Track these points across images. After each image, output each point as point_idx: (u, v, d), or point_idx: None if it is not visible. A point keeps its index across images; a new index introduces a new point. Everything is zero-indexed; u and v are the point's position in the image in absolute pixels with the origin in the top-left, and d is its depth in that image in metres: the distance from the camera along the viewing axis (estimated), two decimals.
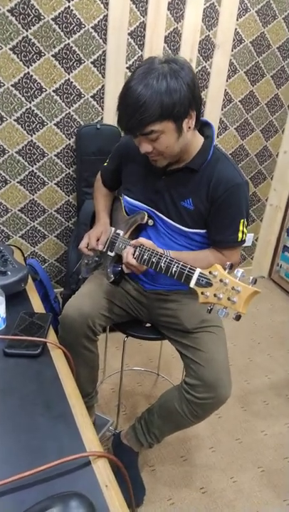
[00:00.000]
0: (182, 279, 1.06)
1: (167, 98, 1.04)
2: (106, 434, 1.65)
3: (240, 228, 1.23)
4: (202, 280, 0.99)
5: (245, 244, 2.87)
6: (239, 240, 1.25)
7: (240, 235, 1.24)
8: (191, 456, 1.63)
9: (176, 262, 1.08)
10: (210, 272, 0.97)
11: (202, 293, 0.98)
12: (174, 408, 1.29)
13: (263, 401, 1.94)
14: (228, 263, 0.95)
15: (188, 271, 1.04)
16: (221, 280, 0.93)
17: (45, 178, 2.16)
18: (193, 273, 1.02)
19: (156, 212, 1.30)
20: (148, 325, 1.51)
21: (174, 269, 1.08)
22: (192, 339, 1.29)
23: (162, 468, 1.57)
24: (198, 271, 1.01)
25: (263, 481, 1.56)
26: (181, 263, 1.07)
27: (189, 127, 1.14)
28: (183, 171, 1.23)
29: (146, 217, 1.29)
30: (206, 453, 1.65)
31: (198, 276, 1.01)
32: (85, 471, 0.70)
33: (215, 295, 0.94)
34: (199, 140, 1.24)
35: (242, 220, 1.23)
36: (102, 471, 0.71)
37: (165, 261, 1.11)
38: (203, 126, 1.26)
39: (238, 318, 0.90)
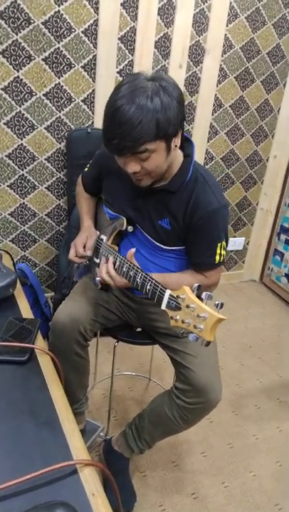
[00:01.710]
0: (155, 300, 1.02)
1: (163, 117, 1.02)
2: (97, 440, 1.63)
3: (218, 251, 1.21)
4: (172, 303, 0.95)
5: (236, 248, 2.93)
6: (217, 262, 1.23)
7: (217, 257, 1.22)
8: (182, 461, 1.63)
9: (149, 280, 1.05)
10: (178, 296, 0.93)
11: (172, 317, 0.94)
12: (165, 413, 1.28)
13: (255, 405, 1.94)
14: (195, 284, 0.91)
15: (159, 291, 1.00)
16: (187, 306, 0.89)
17: (36, 182, 2.16)
18: (163, 294, 0.98)
19: (136, 225, 1.29)
20: (139, 329, 1.50)
21: (148, 286, 1.05)
22: (182, 344, 1.28)
23: (153, 474, 1.56)
24: (168, 293, 0.97)
25: (255, 485, 1.56)
26: (154, 281, 1.03)
27: (176, 145, 1.12)
28: (161, 191, 1.21)
29: (125, 224, 1.27)
30: (198, 458, 1.65)
31: (168, 298, 0.97)
32: (72, 480, 0.69)
33: (183, 321, 0.90)
34: (179, 158, 1.21)
35: (219, 244, 1.21)
36: (89, 480, 0.70)
37: (141, 276, 1.08)
38: (183, 142, 1.23)
39: (207, 344, 0.86)
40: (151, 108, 1.00)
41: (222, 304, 0.84)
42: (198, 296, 0.89)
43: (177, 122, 1.06)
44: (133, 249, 1.15)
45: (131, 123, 1.00)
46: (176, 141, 1.11)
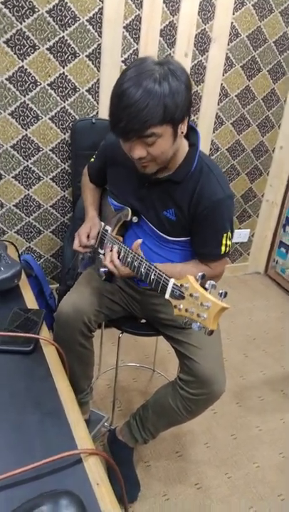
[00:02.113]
0: (159, 289, 1.01)
1: (170, 100, 1.00)
2: (101, 430, 1.65)
3: (223, 242, 1.21)
4: (176, 292, 0.94)
5: (241, 240, 2.92)
6: (222, 252, 1.22)
7: (223, 248, 1.21)
8: (186, 451, 1.64)
9: (154, 269, 1.04)
10: (181, 285, 0.92)
11: (175, 306, 0.93)
12: (168, 404, 1.28)
13: (258, 396, 1.95)
14: (199, 273, 0.90)
15: (163, 280, 0.99)
16: (191, 295, 0.89)
17: (41, 173, 2.15)
18: (167, 283, 0.97)
19: (142, 216, 1.28)
20: (143, 321, 1.50)
21: (152, 276, 1.04)
22: (186, 335, 1.28)
23: (157, 464, 1.57)
24: (172, 282, 0.96)
25: (258, 476, 1.56)
26: (158, 270, 1.02)
27: (182, 132, 1.10)
28: (166, 181, 1.20)
29: (130, 215, 1.26)
30: (201, 448, 1.65)
31: (172, 287, 0.96)
32: (76, 469, 0.70)
33: (186, 310, 0.90)
34: (184, 147, 1.19)
35: (225, 234, 1.20)
36: (94, 469, 0.70)
37: (145, 266, 1.07)
38: (188, 131, 1.21)
39: (210, 333, 0.86)
40: (160, 92, 0.99)
41: (226, 293, 0.84)
42: (202, 286, 0.88)
43: (185, 107, 1.04)
44: (139, 240, 1.14)
45: (137, 105, 0.99)
46: (183, 128, 1.10)
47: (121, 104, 1.01)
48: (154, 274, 1.03)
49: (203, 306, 0.85)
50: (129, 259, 1.14)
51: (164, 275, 1.00)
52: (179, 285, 0.93)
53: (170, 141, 1.08)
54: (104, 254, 1.32)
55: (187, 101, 1.04)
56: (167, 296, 0.97)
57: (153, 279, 1.04)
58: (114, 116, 1.04)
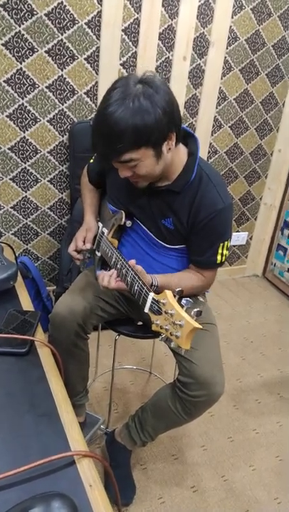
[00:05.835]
0: (140, 301, 1.00)
1: (140, 124, 0.98)
2: (97, 432, 1.64)
3: (220, 251, 1.21)
4: (154, 307, 0.93)
5: (239, 243, 2.92)
6: (218, 261, 1.23)
7: (219, 257, 1.22)
8: (182, 454, 1.63)
9: (137, 280, 1.02)
10: (158, 301, 0.91)
11: (153, 321, 0.92)
12: (168, 406, 1.28)
13: (255, 399, 1.94)
14: (177, 289, 0.89)
15: (144, 293, 0.98)
16: (166, 312, 0.88)
17: (38, 175, 2.15)
18: (147, 297, 0.96)
19: (138, 222, 1.28)
20: (140, 323, 1.50)
21: (135, 287, 1.03)
22: None
23: (153, 467, 1.56)
24: (150, 296, 0.95)
25: (254, 479, 1.56)
26: (141, 282, 1.01)
27: (169, 148, 1.09)
28: (165, 191, 1.19)
29: (124, 219, 1.26)
30: (198, 451, 1.65)
31: (151, 302, 0.95)
32: (69, 471, 0.69)
33: (161, 327, 0.89)
34: (182, 156, 1.18)
35: (221, 244, 1.21)
36: (87, 471, 0.70)
37: (131, 275, 1.06)
38: (187, 138, 1.21)
39: (184, 352, 0.86)
40: (129, 116, 0.98)
41: (200, 312, 0.83)
42: (179, 302, 0.86)
43: (163, 128, 1.02)
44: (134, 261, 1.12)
45: (110, 133, 1.00)
46: (170, 144, 1.08)
47: (96, 131, 1.04)
48: (137, 286, 1.02)
49: (177, 324, 0.83)
50: (118, 266, 1.14)
51: (144, 288, 0.99)
52: (156, 300, 0.92)
53: (153, 161, 1.07)
54: (101, 257, 1.32)
55: (164, 121, 1.01)
56: (146, 309, 0.96)
57: (136, 291, 1.03)
58: (92, 140, 1.07)
